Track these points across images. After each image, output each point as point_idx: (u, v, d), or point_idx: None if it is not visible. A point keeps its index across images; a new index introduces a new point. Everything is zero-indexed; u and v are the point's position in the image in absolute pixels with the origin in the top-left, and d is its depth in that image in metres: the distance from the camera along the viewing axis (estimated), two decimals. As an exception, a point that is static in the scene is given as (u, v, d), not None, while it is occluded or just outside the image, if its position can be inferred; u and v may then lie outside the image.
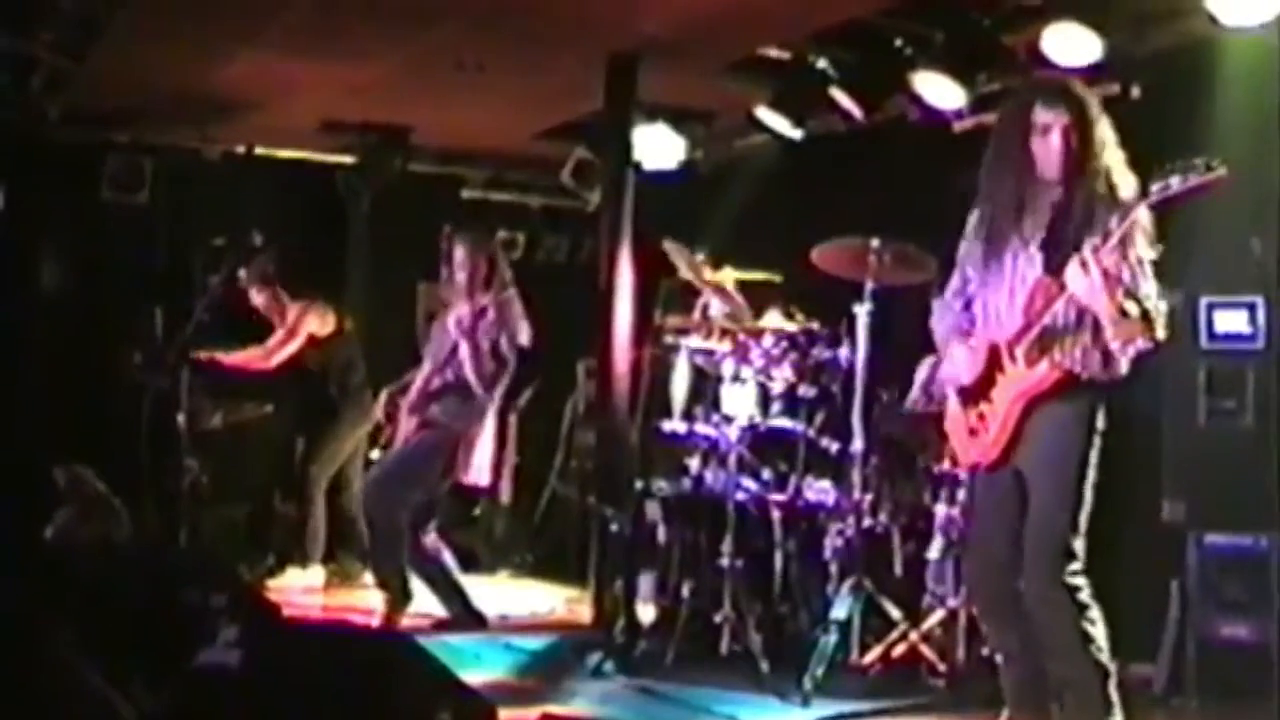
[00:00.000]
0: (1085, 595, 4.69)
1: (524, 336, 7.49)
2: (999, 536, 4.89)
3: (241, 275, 8.81)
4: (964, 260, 5.04)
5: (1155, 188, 4.43)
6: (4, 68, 8.23)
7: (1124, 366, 4.72)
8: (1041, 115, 4.70)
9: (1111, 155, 4.68)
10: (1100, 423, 4.74)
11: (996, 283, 4.85)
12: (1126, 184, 4.65)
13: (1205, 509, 6.19)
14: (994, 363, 4.84)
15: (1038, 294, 4.70)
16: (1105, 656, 4.69)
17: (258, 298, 8.99)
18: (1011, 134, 4.79)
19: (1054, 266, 4.66)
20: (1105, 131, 4.71)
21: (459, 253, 7.52)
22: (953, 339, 5.02)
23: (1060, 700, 4.86)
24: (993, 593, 5.00)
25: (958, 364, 4.96)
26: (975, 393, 4.90)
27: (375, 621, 7.47)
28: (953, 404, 5.04)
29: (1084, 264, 4.48)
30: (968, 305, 5.02)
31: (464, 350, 7.34)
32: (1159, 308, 4.61)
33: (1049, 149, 4.70)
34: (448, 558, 7.90)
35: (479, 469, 7.53)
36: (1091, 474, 4.72)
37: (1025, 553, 4.77)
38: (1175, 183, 4.38)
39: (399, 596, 7.53)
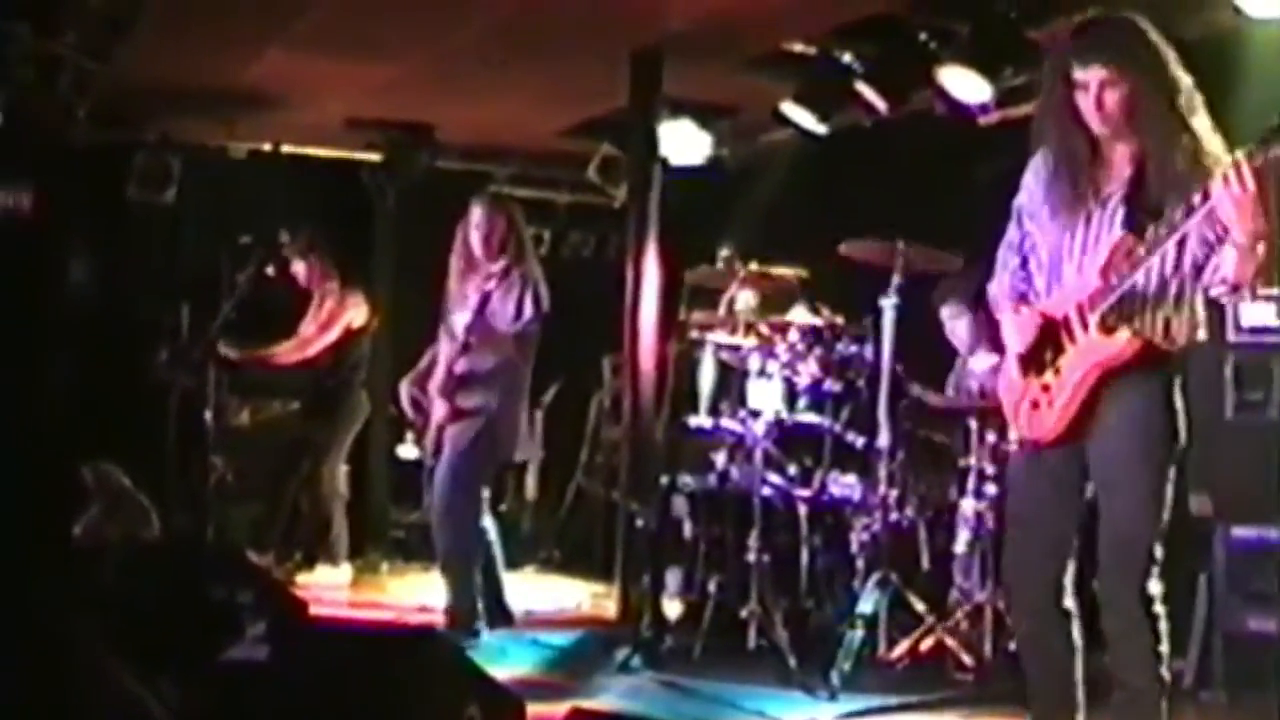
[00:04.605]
0: (1159, 606, 4.29)
1: (544, 302, 7.05)
2: (1047, 525, 4.47)
3: (285, 245, 8.80)
4: (1021, 209, 4.57)
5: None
6: (31, 68, 8.26)
7: (1202, 331, 4.37)
8: (1078, 73, 4.27)
9: (1189, 103, 4.24)
10: (1179, 402, 4.31)
11: (1065, 239, 4.39)
12: (1213, 142, 4.24)
13: (1232, 502, 6.15)
14: (1058, 329, 4.37)
15: (1118, 254, 4.24)
16: (1165, 669, 4.33)
17: (298, 265, 8.95)
18: (1053, 94, 4.38)
19: (1135, 225, 4.22)
20: (1171, 80, 4.26)
21: (476, 213, 7.15)
22: (1005, 304, 4.56)
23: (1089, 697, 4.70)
24: (1029, 581, 4.56)
25: (1008, 332, 4.51)
26: (1039, 361, 4.42)
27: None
28: (1011, 372, 4.53)
29: (1237, 167, 3.97)
30: (1024, 263, 4.56)
31: (473, 319, 6.97)
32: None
33: (1089, 107, 4.26)
34: (494, 543, 7.52)
35: (523, 444, 7.44)
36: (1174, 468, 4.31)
37: (1101, 556, 4.34)
38: None
39: (465, 617, 7.16)
